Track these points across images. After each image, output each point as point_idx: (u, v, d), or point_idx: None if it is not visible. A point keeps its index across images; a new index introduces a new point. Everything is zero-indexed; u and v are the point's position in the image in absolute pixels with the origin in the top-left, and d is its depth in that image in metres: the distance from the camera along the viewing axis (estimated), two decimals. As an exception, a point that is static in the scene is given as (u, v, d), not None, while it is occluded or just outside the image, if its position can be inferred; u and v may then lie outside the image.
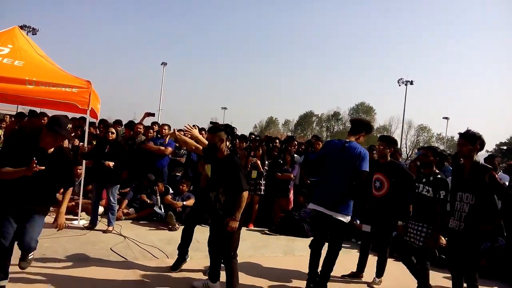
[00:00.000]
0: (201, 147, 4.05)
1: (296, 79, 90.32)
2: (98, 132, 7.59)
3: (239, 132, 6.66)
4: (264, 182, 6.97)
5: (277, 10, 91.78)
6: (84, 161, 6.12)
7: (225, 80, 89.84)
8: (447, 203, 3.85)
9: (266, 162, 7.06)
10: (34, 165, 2.86)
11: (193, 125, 4.44)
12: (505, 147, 50.03)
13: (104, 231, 5.52)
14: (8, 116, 7.93)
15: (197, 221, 4.46)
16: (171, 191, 7.01)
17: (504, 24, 79.13)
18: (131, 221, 6.43)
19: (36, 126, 7.30)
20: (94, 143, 6.54)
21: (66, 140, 7.53)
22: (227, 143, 3.61)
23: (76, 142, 7.59)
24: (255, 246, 5.67)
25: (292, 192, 7.14)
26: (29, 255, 3.22)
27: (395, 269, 4.26)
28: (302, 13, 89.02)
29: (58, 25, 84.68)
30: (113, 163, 5.57)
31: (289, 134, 44.16)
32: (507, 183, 5.95)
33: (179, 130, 8.47)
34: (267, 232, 6.57)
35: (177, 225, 6.12)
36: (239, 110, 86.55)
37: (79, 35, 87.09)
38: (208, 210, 3.81)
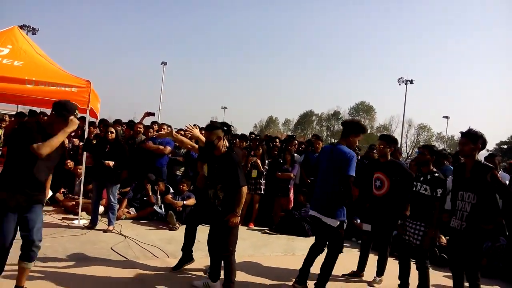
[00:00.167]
0: (197, 146, 4.07)
1: (296, 79, 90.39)
2: (98, 131, 7.59)
3: (239, 132, 6.70)
4: (264, 181, 6.97)
5: (277, 10, 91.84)
6: (84, 161, 6.12)
7: (225, 80, 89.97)
8: (444, 201, 3.86)
9: (266, 161, 7.06)
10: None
11: (194, 125, 4.44)
12: (505, 146, 50.04)
13: (105, 231, 5.52)
14: (8, 116, 7.90)
15: (199, 221, 4.45)
16: (171, 190, 7.01)
17: (504, 24, 79.13)
18: (131, 220, 6.43)
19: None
20: (94, 142, 6.54)
21: (66, 139, 7.57)
22: (225, 141, 3.65)
23: (76, 141, 7.60)
24: (256, 245, 5.67)
25: (292, 191, 7.13)
26: (33, 250, 3.10)
27: (396, 268, 4.26)
28: (302, 13, 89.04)
29: (58, 24, 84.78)
30: (113, 162, 5.57)
31: (289, 133, 44.17)
32: (507, 182, 5.94)
33: (180, 130, 8.51)
34: (268, 231, 6.57)
35: (177, 225, 6.12)
36: (239, 110, 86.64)
37: (78, 35, 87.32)
38: (208, 208, 3.81)
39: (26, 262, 3.07)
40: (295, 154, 7.38)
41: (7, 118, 7.68)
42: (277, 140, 8.33)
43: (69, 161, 7.22)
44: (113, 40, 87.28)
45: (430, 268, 5.09)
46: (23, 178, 2.96)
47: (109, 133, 5.67)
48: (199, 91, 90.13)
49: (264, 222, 6.96)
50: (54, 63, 6.17)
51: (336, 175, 3.79)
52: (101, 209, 6.09)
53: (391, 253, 4.57)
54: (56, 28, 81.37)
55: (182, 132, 8.34)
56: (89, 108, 5.77)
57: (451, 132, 61.24)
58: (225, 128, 3.65)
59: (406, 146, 55.30)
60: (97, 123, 7.63)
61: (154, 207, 6.63)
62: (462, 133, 3.54)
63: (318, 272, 3.89)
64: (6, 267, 3.34)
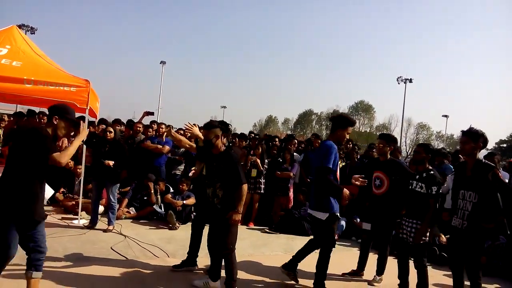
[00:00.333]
0: (195, 145, 4.08)
1: (295, 78, 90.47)
2: (98, 131, 7.59)
3: (238, 131, 6.68)
4: (263, 180, 6.97)
5: (277, 10, 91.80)
6: (83, 161, 6.11)
7: (225, 79, 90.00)
8: (438, 199, 3.88)
9: (266, 160, 7.06)
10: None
11: (193, 124, 4.43)
12: (504, 145, 50.10)
13: (104, 230, 5.51)
14: (6, 116, 7.89)
15: (204, 222, 4.36)
16: (171, 190, 7.01)
17: (503, 23, 79.17)
18: (131, 220, 6.43)
19: (35, 125, 7.29)
20: (94, 141, 6.54)
21: (66, 139, 7.55)
22: (223, 139, 3.66)
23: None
24: (255, 244, 5.67)
25: (291, 190, 7.13)
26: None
27: (396, 267, 4.26)
28: (302, 13, 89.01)
29: (57, 24, 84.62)
30: (113, 162, 5.57)
31: (289, 132, 44.17)
32: (507, 181, 5.95)
33: (179, 129, 8.48)
34: (267, 230, 6.57)
35: (177, 224, 6.12)
36: (239, 109, 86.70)
37: (77, 34, 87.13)
38: (206, 206, 3.80)
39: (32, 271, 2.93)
40: (295, 153, 7.38)
41: (6, 118, 7.67)
42: (277, 140, 8.32)
43: (69, 161, 7.20)
44: (112, 39, 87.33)
45: (430, 267, 5.12)
46: (43, 187, 2.95)
47: (108, 133, 5.66)
48: (199, 91, 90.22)
49: (264, 221, 6.97)
50: (53, 63, 6.15)
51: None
52: (101, 208, 6.08)
53: (391, 252, 4.57)
54: (55, 27, 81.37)
55: (182, 132, 8.34)
56: (88, 108, 5.76)
57: (451, 131, 61.39)
58: (223, 127, 3.67)
59: (406, 145, 55.36)
60: (96, 123, 7.62)
61: (154, 206, 6.63)
62: (463, 131, 3.53)
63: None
64: (8, 267, 3.33)
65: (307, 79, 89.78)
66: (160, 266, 4.29)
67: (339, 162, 7.48)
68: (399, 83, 40.08)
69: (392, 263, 4.51)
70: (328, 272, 4.55)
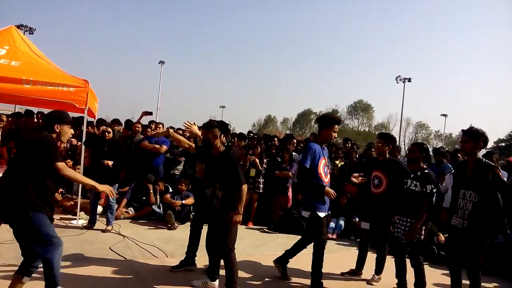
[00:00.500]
0: (194, 145, 4.06)
1: (294, 78, 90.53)
2: (96, 131, 7.58)
3: (237, 131, 6.68)
4: (262, 180, 6.97)
5: (277, 10, 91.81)
6: (82, 161, 6.11)
7: (224, 79, 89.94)
8: (433, 197, 3.89)
9: (265, 160, 7.07)
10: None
11: (193, 122, 4.43)
12: (503, 144, 50.17)
13: (103, 231, 5.51)
14: (5, 116, 7.88)
15: (203, 222, 4.40)
16: (170, 190, 7.01)
17: (502, 23, 79.29)
18: (130, 220, 6.42)
19: (33, 126, 7.28)
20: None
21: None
22: (222, 139, 3.63)
23: (74, 141, 7.58)
24: (254, 244, 5.67)
25: (290, 190, 7.13)
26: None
27: (394, 266, 4.26)
28: (302, 13, 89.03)
29: (55, 24, 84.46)
30: (112, 162, 5.56)
31: (288, 132, 44.16)
32: (505, 179, 5.96)
33: (178, 129, 8.47)
34: (266, 230, 6.57)
35: (176, 224, 6.12)
36: (238, 109, 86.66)
37: (76, 34, 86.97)
38: (205, 207, 3.80)
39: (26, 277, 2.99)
40: (294, 153, 7.39)
41: (4, 118, 7.66)
42: (276, 139, 8.33)
43: (68, 160, 7.19)
44: (111, 39, 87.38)
45: (428, 266, 5.13)
46: (54, 194, 3.02)
47: (106, 133, 5.65)
48: (198, 91, 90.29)
49: (263, 221, 6.97)
50: (52, 63, 6.16)
51: None
52: (100, 209, 6.08)
53: (390, 251, 4.58)
54: (53, 27, 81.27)
55: (181, 131, 8.34)
56: (87, 108, 5.76)
57: (449, 130, 61.52)
58: (222, 127, 3.63)
59: (405, 144, 55.35)
60: (94, 123, 7.61)
61: (152, 206, 6.63)
62: (463, 131, 3.53)
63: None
64: (4, 268, 3.34)
65: (306, 78, 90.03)
66: (159, 266, 4.29)
67: (338, 162, 7.58)
68: (398, 83, 40.08)
69: (390, 262, 4.51)
70: (326, 271, 4.57)
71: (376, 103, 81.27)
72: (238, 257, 3.62)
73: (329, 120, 4.04)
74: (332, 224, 6.63)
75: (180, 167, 7.64)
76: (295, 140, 8.20)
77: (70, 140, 7.45)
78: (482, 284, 3.47)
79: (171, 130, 4.32)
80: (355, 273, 4.60)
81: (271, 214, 7.03)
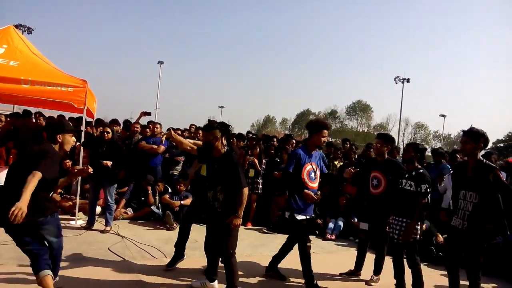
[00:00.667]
0: (196, 147, 4.02)
1: (293, 78, 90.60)
2: (95, 131, 7.56)
3: (236, 131, 6.66)
4: (261, 180, 6.97)
5: (277, 10, 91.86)
6: (81, 161, 6.09)
7: (223, 79, 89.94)
8: (427, 197, 3.90)
9: (264, 160, 7.06)
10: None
11: (191, 124, 4.43)
12: (502, 144, 50.25)
13: (102, 231, 5.50)
14: (3, 116, 7.86)
15: (194, 220, 4.46)
16: (169, 190, 7.00)
17: (502, 22, 79.46)
18: (128, 220, 6.41)
19: (31, 126, 7.27)
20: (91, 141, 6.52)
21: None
22: (223, 141, 3.57)
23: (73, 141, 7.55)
24: (253, 245, 5.66)
25: (289, 190, 7.12)
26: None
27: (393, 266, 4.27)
28: (302, 13, 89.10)
29: (54, 24, 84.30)
30: (111, 162, 5.55)
31: (287, 132, 44.18)
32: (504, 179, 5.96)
33: (177, 129, 8.43)
34: (265, 230, 6.57)
35: (175, 225, 6.11)
36: (237, 109, 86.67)
37: (75, 34, 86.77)
38: (206, 209, 3.79)
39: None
40: (293, 153, 7.37)
41: (3, 118, 7.64)
42: (275, 140, 8.33)
43: (67, 160, 7.18)
44: (110, 39, 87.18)
45: (427, 266, 5.13)
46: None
47: (106, 133, 5.64)
48: (197, 91, 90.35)
49: (262, 221, 6.96)
50: (50, 63, 6.14)
51: None
52: (98, 209, 6.07)
53: (388, 252, 4.58)
54: (52, 27, 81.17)
55: (180, 132, 8.34)
56: (86, 108, 5.74)
57: (448, 131, 61.65)
58: (223, 128, 3.57)
59: (403, 145, 55.35)
60: (93, 123, 7.59)
61: (151, 207, 6.62)
62: (463, 131, 3.51)
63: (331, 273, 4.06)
64: (2, 269, 3.33)
65: (305, 79, 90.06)
66: (158, 267, 4.28)
67: (337, 162, 7.58)
68: (396, 83, 40.18)
69: (389, 263, 4.51)
70: (325, 272, 4.59)
71: (375, 104, 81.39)
72: (237, 258, 3.61)
73: (317, 125, 4.07)
74: (331, 225, 6.63)
75: (179, 167, 7.64)
76: (294, 141, 8.18)
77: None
78: (481, 284, 3.47)
79: (173, 133, 4.28)
80: (354, 274, 4.60)
81: (270, 214, 7.02)
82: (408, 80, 39.56)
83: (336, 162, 7.53)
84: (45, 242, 3.02)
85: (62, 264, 4.05)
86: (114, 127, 6.47)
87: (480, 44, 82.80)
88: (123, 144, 6.42)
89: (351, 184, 6.98)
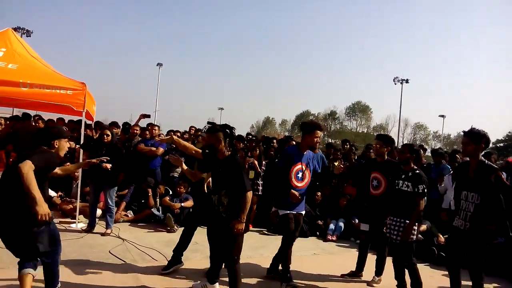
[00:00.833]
0: (200, 151, 3.98)
1: (293, 78, 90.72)
2: (94, 134, 7.56)
3: (235, 132, 6.62)
4: (261, 182, 6.96)
5: (277, 10, 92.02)
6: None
7: (223, 79, 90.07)
8: (425, 197, 3.90)
9: (263, 162, 7.05)
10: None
11: (190, 127, 4.42)
12: (501, 144, 50.31)
13: (103, 234, 5.49)
14: (3, 119, 7.85)
15: (198, 223, 4.42)
16: (170, 192, 6.99)
17: (502, 22, 79.66)
18: (129, 223, 6.40)
19: (30, 129, 7.26)
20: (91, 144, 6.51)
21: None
22: (227, 144, 3.51)
23: (72, 144, 7.55)
24: (254, 246, 5.65)
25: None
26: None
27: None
28: (302, 13, 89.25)
29: (53, 26, 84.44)
30: (111, 165, 5.53)
31: (286, 134, 44.17)
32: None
33: (176, 131, 8.42)
34: (265, 232, 6.56)
35: (175, 227, 6.10)
36: (236, 111, 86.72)
37: (74, 36, 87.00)
38: (209, 214, 3.75)
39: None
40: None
41: (2, 122, 7.64)
42: (274, 141, 8.33)
43: (68, 163, 7.16)
44: (109, 41, 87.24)
45: (429, 267, 5.13)
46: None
47: (105, 136, 5.63)
48: (196, 92, 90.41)
49: (262, 223, 6.95)
50: (49, 66, 6.13)
51: None
52: (99, 212, 6.05)
53: (390, 253, 4.57)
54: (51, 29, 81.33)
55: (179, 134, 8.33)
56: (85, 111, 5.74)
57: (447, 131, 61.71)
58: (226, 130, 3.50)
59: (403, 145, 55.37)
60: (92, 126, 7.59)
61: (152, 209, 6.61)
62: (464, 132, 3.48)
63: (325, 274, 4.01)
64: (3, 274, 3.31)
65: (305, 79, 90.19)
66: (159, 269, 4.26)
67: (337, 163, 7.56)
68: (395, 84, 40.21)
69: (391, 264, 4.51)
70: (327, 273, 4.59)
71: (374, 104, 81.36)
72: (238, 260, 3.59)
73: (309, 126, 4.13)
74: (331, 226, 6.63)
75: (179, 169, 7.61)
76: (293, 142, 8.18)
77: (69, 143, 7.42)
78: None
79: (175, 137, 4.25)
80: (355, 275, 4.59)
81: (271, 216, 6.99)
82: (407, 81, 39.62)
83: (336, 163, 7.50)
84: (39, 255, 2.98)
85: (63, 267, 4.05)
86: (113, 130, 6.47)
87: (480, 44, 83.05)
88: (122, 147, 6.40)
89: (351, 185, 6.99)
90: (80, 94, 5.61)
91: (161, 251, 4.91)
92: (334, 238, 6.45)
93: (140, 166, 7.01)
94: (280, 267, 4.20)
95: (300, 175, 4.07)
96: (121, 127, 8.57)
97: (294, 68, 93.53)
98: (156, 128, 7.49)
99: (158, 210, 6.64)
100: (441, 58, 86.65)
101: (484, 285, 3.42)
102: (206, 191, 4.20)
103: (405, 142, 58.09)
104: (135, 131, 7.64)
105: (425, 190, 3.90)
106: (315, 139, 4.05)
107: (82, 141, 6.01)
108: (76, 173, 6.38)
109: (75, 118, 7.79)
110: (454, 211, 3.61)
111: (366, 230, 4.54)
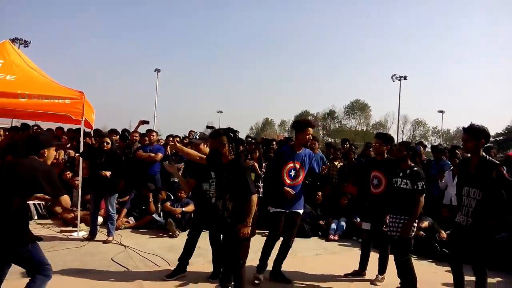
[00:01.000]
0: (205, 157, 3.94)
1: (292, 79, 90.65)
2: (93, 142, 7.58)
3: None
4: (262, 184, 6.96)
5: (277, 10, 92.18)
6: (81, 172, 6.09)
7: (221, 83, 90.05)
8: (424, 194, 3.91)
9: (263, 164, 7.06)
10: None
11: (190, 131, 4.43)
12: (501, 138, 50.32)
13: (104, 242, 5.49)
14: (2, 130, 7.87)
15: (201, 229, 4.38)
16: (171, 197, 6.99)
17: (499, 18, 79.80)
18: (130, 230, 6.40)
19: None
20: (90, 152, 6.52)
21: (62, 151, 7.51)
22: (231, 147, 3.48)
23: (72, 153, 7.58)
24: (256, 248, 5.59)
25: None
26: None
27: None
28: (302, 13, 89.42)
29: (50, 35, 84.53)
30: (110, 172, 5.54)
31: (286, 134, 44.18)
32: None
33: (176, 136, 8.41)
34: (267, 234, 6.53)
35: (177, 232, 6.10)
36: (235, 113, 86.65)
37: (71, 46, 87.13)
38: (213, 219, 3.73)
39: None
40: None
41: (1, 132, 7.65)
42: (274, 143, 8.35)
43: (68, 172, 7.18)
44: (107, 47, 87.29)
45: (433, 263, 5.13)
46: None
47: (105, 144, 5.64)
48: (194, 96, 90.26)
49: (264, 224, 6.93)
50: (47, 76, 6.15)
51: None
52: (100, 219, 6.05)
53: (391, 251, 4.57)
54: (48, 39, 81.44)
55: (179, 139, 8.34)
56: (84, 120, 5.75)
57: (447, 126, 61.75)
58: (229, 134, 3.48)
59: (403, 142, 55.33)
60: (92, 134, 7.61)
61: (153, 215, 6.61)
62: (464, 128, 3.46)
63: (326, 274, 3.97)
64: (5, 284, 3.30)
65: (305, 80, 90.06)
66: (162, 275, 4.25)
67: (337, 163, 7.57)
68: (394, 81, 40.20)
69: (393, 262, 4.51)
70: (330, 273, 4.60)
71: (373, 102, 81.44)
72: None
73: (300, 124, 4.26)
74: (333, 225, 6.63)
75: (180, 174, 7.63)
76: (293, 143, 8.19)
77: (68, 152, 7.45)
78: (487, 280, 3.46)
79: (178, 145, 4.23)
80: (358, 274, 4.59)
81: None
82: (405, 78, 39.61)
83: (336, 163, 7.52)
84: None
85: (65, 276, 4.06)
86: (113, 137, 6.48)
87: (478, 39, 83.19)
88: (122, 154, 6.41)
89: (352, 184, 6.98)
90: (78, 103, 5.62)
91: (163, 257, 4.90)
92: (336, 238, 6.45)
93: (140, 172, 7.02)
94: (260, 264, 4.36)
95: (292, 173, 4.14)
96: (120, 134, 8.57)
97: (294, 68, 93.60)
98: (154, 134, 7.51)
99: (159, 216, 6.64)
100: (440, 54, 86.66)
101: (488, 280, 3.42)
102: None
103: (405, 138, 58.18)
104: (134, 137, 7.65)
105: (424, 187, 3.92)
106: (307, 136, 4.15)
107: (81, 150, 6.02)
108: (76, 182, 6.37)
109: (74, 126, 7.80)
110: (456, 207, 3.60)
111: (368, 229, 4.54)
